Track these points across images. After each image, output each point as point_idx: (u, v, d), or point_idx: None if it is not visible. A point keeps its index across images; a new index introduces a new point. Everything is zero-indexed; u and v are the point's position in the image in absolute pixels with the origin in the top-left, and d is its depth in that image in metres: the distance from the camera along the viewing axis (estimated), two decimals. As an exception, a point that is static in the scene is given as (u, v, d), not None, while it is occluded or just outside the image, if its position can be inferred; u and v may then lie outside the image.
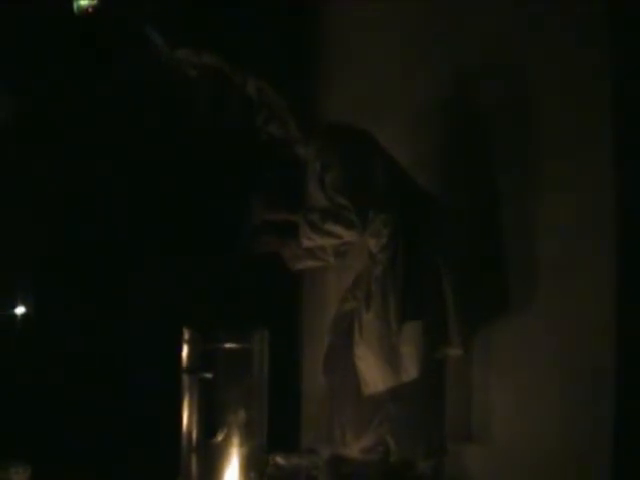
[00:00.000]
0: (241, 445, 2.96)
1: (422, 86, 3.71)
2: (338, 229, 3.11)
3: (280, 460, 3.31)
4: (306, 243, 3.20)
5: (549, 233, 3.16)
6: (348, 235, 3.14)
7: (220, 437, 2.94)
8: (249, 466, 2.99)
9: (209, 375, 2.96)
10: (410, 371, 3.09)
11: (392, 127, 3.63)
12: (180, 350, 3.05)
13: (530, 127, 3.25)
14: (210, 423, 2.95)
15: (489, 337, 3.38)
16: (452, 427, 3.32)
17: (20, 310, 3.76)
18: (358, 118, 3.43)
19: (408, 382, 3.10)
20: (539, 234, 3.21)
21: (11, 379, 3.64)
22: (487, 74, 3.41)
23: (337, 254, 3.36)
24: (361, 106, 3.88)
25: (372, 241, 3.20)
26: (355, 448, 3.18)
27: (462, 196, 3.48)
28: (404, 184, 3.27)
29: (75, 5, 3.25)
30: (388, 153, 3.33)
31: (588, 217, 3.03)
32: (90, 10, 3.24)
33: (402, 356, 3.08)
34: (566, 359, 3.09)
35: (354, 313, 3.22)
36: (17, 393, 3.62)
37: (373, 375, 3.12)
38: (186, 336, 3.04)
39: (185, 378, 3.03)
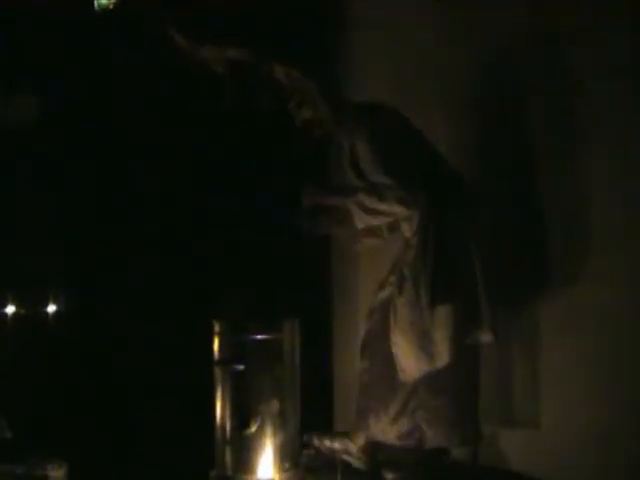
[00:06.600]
0: (275, 435, 2.95)
1: (455, 68, 3.69)
2: (385, 207, 3.10)
3: (315, 441, 3.29)
4: (360, 225, 3.20)
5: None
6: (398, 211, 3.12)
7: (253, 428, 2.93)
8: (283, 456, 2.98)
9: (241, 366, 2.95)
10: (442, 356, 3.06)
11: (427, 109, 3.62)
12: (211, 342, 3.05)
13: (572, 111, 3.22)
14: (243, 414, 2.95)
15: (526, 320, 3.36)
16: (488, 412, 3.29)
17: (52, 307, 3.80)
18: (394, 101, 3.41)
19: (442, 368, 3.08)
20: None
21: (47, 377, 3.66)
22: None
23: (391, 229, 3.32)
24: (395, 88, 3.86)
25: (405, 225, 3.18)
26: (390, 434, 3.16)
27: (499, 177, 3.46)
28: (435, 165, 3.23)
29: (96, 3, 3.28)
30: (420, 133, 3.29)
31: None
32: (111, 7, 3.27)
33: (434, 341, 3.07)
34: (609, 342, 3.05)
35: (390, 299, 3.21)
36: (53, 390, 3.65)
37: (408, 361, 3.10)
38: (217, 328, 3.04)
39: (217, 370, 3.03)
